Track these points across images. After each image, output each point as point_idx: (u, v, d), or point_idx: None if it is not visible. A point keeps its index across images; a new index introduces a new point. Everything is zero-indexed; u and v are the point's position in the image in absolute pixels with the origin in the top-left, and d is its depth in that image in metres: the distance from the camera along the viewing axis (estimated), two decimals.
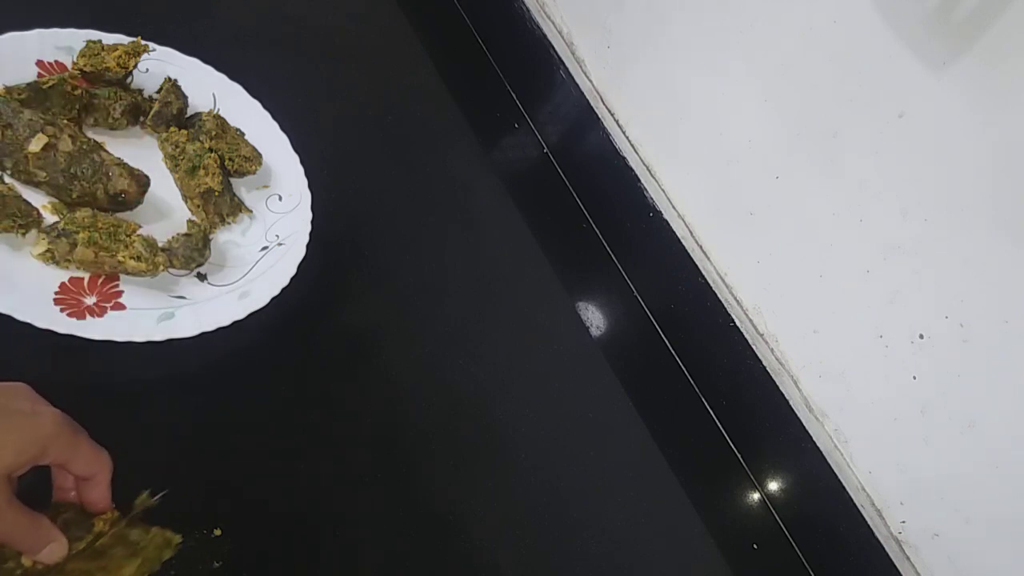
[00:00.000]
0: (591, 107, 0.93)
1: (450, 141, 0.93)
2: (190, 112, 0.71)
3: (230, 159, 0.69)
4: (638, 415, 0.82)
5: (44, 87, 0.62)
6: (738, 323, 0.84)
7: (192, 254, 0.63)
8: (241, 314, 0.62)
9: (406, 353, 0.72)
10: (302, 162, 0.74)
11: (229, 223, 0.69)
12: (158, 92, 0.70)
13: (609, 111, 0.94)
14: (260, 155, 0.72)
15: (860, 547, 0.76)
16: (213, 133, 0.69)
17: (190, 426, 0.59)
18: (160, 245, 0.62)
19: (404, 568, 0.62)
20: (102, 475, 0.46)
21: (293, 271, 0.66)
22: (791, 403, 0.80)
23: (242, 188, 0.72)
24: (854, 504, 0.76)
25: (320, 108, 0.83)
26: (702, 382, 0.89)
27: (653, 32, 0.87)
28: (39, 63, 0.66)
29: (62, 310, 0.56)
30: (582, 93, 0.94)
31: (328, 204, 0.73)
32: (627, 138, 0.92)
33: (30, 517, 0.43)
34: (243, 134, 0.72)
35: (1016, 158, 0.61)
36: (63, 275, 0.59)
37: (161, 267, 0.60)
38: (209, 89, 0.72)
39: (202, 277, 0.65)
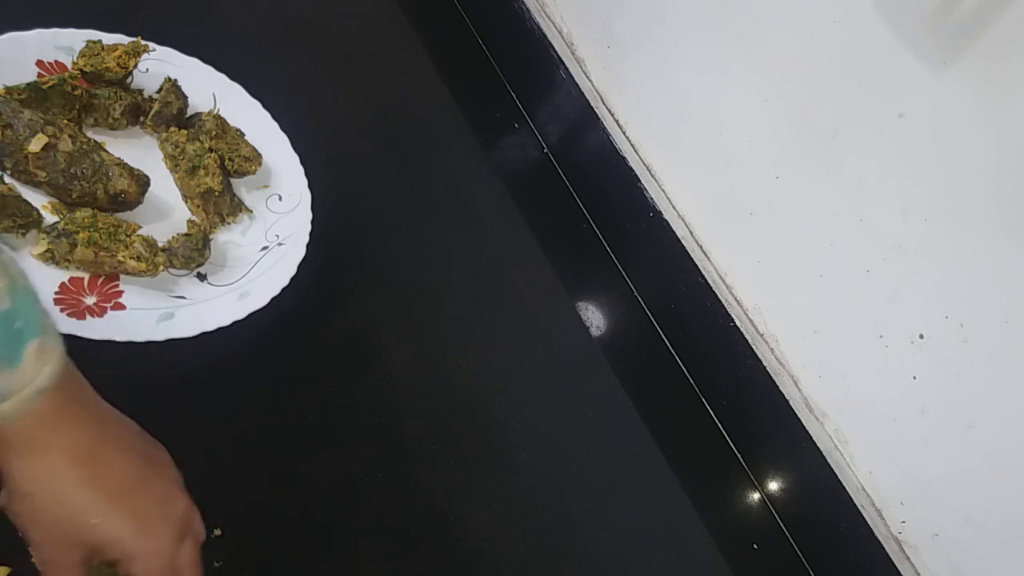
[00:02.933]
0: (591, 107, 0.93)
1: (450, 141, 0.93)
2: (190, 112, 0.71)
3: (230, 159, 0.69)
4: (638, 415, 0.82)
5: (44, 87, 0.62)
6: (738, 323, 0.84)
7: (192, 254, 0.63)
8: (241, 314, 0.62)
9: (406, 353, 0.72)
10: (302, 162, 0.74)
11: (229, 223, 0.69)
12: (158, 92, 0.70)
13: (609, 111, 0.94)
14: (260, 155, 0.72)
15: (860, 547, 0.76)
16: (213, 133, 0.69)
17: (190, 426, 0.59)
18: (160, 245, 0.62)
19: (404, 568, 0.62)
20: None
21: (293, 271, 0.66)
22: (791, 403, 0.80)
23: (242, 188, 0.72)
24: (854, 504, 0.76)
25: (320, 108, 0.83)
26: (702, 382, 0.89)
27: (653, 32, 0.87)
28: (39, 63, 0.66)
29: (62, 310, 0.56)
30: (582, 93, 0.94)
31: (328, 204, 0.73)
32: (627, 138, 0.92)
33: None
34: (243, 134, 0.72)
35: (1016, 158, 0.61)
36: (63, 275, 0.59)
37: (161, 267, 0.60)
38: (209, 89, 0.72)
39: (202, 277, 0.65)
